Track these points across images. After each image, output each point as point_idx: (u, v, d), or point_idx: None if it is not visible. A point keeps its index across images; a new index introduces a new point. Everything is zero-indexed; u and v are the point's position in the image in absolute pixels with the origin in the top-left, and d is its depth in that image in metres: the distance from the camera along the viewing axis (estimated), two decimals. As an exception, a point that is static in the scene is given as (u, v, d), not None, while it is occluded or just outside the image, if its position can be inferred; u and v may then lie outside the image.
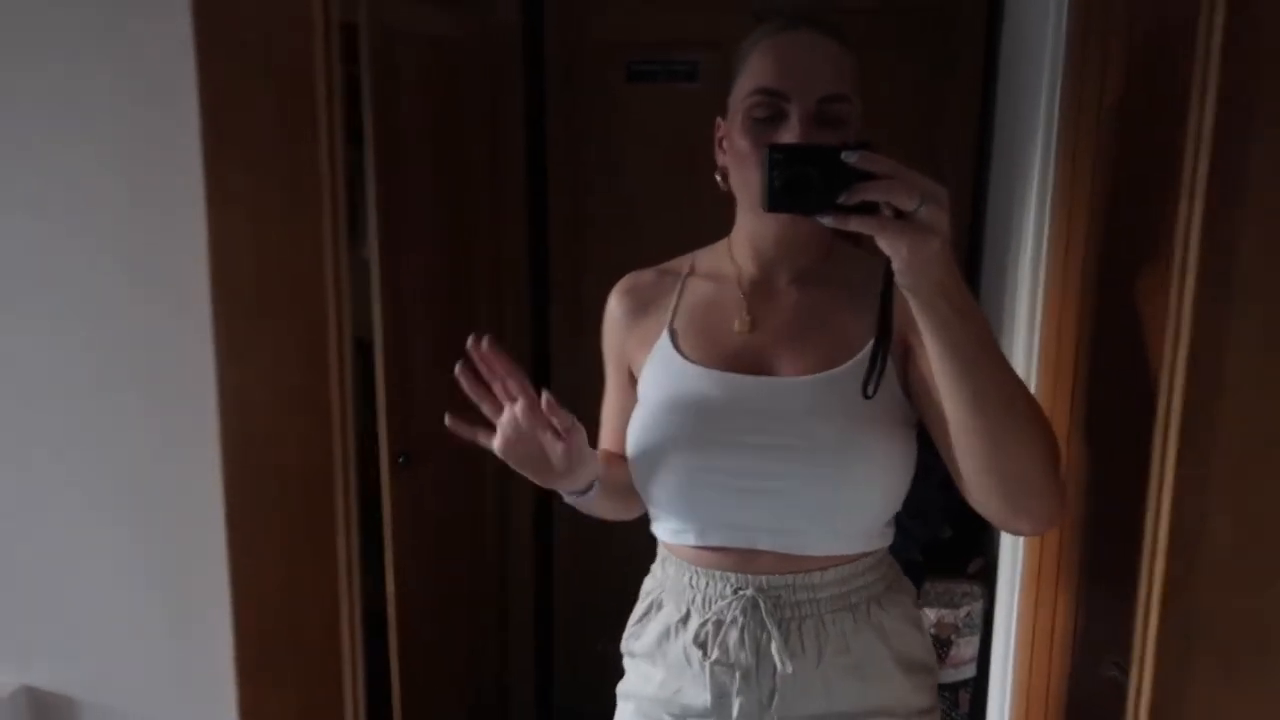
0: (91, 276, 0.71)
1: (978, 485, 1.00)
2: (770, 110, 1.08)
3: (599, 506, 1.24)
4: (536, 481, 1.15)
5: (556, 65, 2.32)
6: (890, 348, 1.05)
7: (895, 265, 0.88)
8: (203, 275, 0.67)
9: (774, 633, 1.12)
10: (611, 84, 2.30)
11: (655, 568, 1.27)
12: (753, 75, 1.10)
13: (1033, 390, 1.68)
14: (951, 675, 1.93)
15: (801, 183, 0.89)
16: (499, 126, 2.37)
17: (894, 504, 1.16)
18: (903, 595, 1.22)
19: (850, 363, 1.12)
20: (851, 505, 1.12)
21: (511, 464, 1.12)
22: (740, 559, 1.15)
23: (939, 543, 1.93)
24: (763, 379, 1.14)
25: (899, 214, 0.86)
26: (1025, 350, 1.72)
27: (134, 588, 0.71)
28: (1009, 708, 1.75)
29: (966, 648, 1.93)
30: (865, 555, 1.16)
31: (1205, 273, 0.54)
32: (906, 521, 1.91)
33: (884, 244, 0.87)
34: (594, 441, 1.26)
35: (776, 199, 0.91)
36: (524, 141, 2.39)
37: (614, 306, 1.29)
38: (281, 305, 0.64)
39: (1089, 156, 1.48)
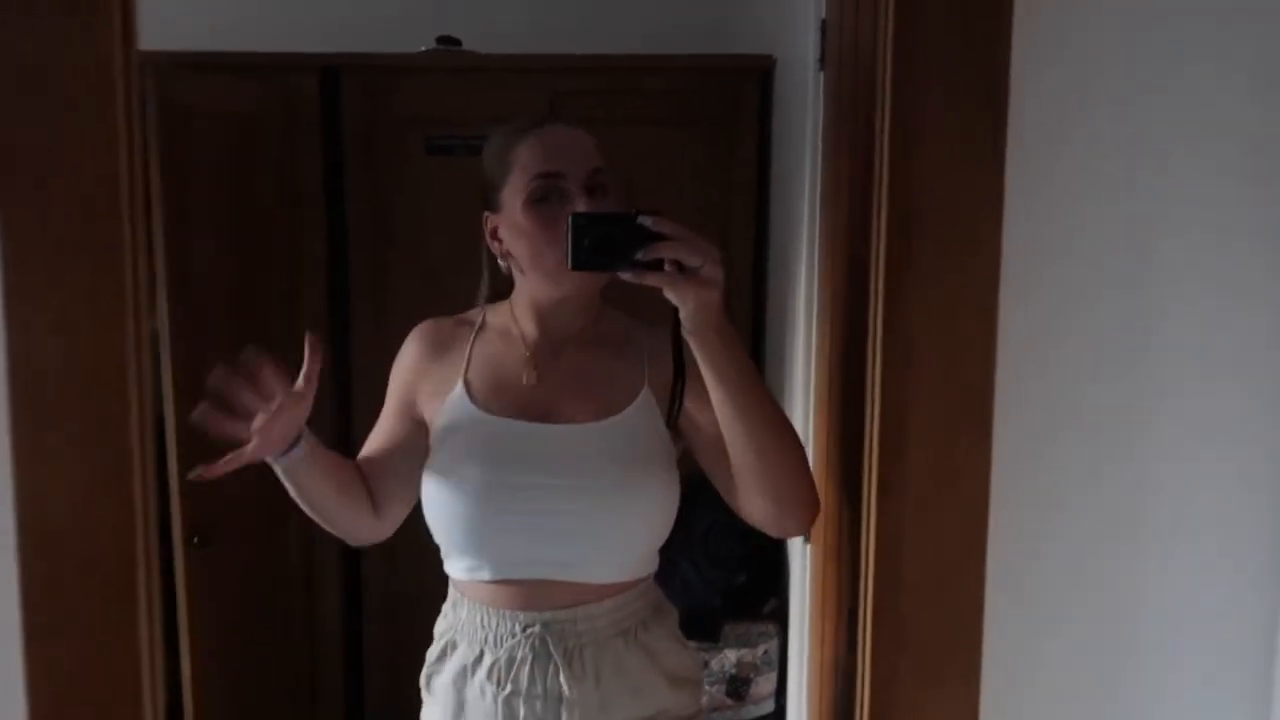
0: None
1: (753, 502, 1.20)
2: (548, 190, 1.24)
3: (311, 481, 1.25)
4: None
5: (355, 138, 2.35)
6: (680, 387, 1.24)
7: (682, 314, 1.06)
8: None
9: (560, 663, 1.25)
10: (410, 156, 2.35)
11: (447, 609, 1.38)
12: (527, 167, 1.26)
13: (809, 427, 1.84)
14: (752, 711, 2.05)
15: (606, 243, 1.05)
16: (299, 199, 2.37)
17: (665, 530, 1.33)
18: (666, 618, 1.38)
19: (625, 411, 1.29)
20: (631, 534, 1.29)
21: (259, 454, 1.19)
22: (530, 594, 1.27)
23: (736, 588, 2.05)
24: (551, 426, 1.29)
25: (682, 269, 1.03)
26: (802, 392, 1.88)
27: None
28: (805, 738, 1.87)
29: (765, 684, 2.05)
30: (638, 582, 1.32)
31: (887, 348, 0.67)
32: (708, 571, 2.03)
33: (672, 295, 1.05)
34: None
35: (584, 258, 1.06)
36: (324, 212, 2.39)
37: (413, 346, 1.39)
38: (80, 400, 0.65)
39: (843, 226, 1.65)
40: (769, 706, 2.07)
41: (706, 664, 1.99)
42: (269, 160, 2.32)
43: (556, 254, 1.19)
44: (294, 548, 2.45)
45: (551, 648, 1.26)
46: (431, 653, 1.38)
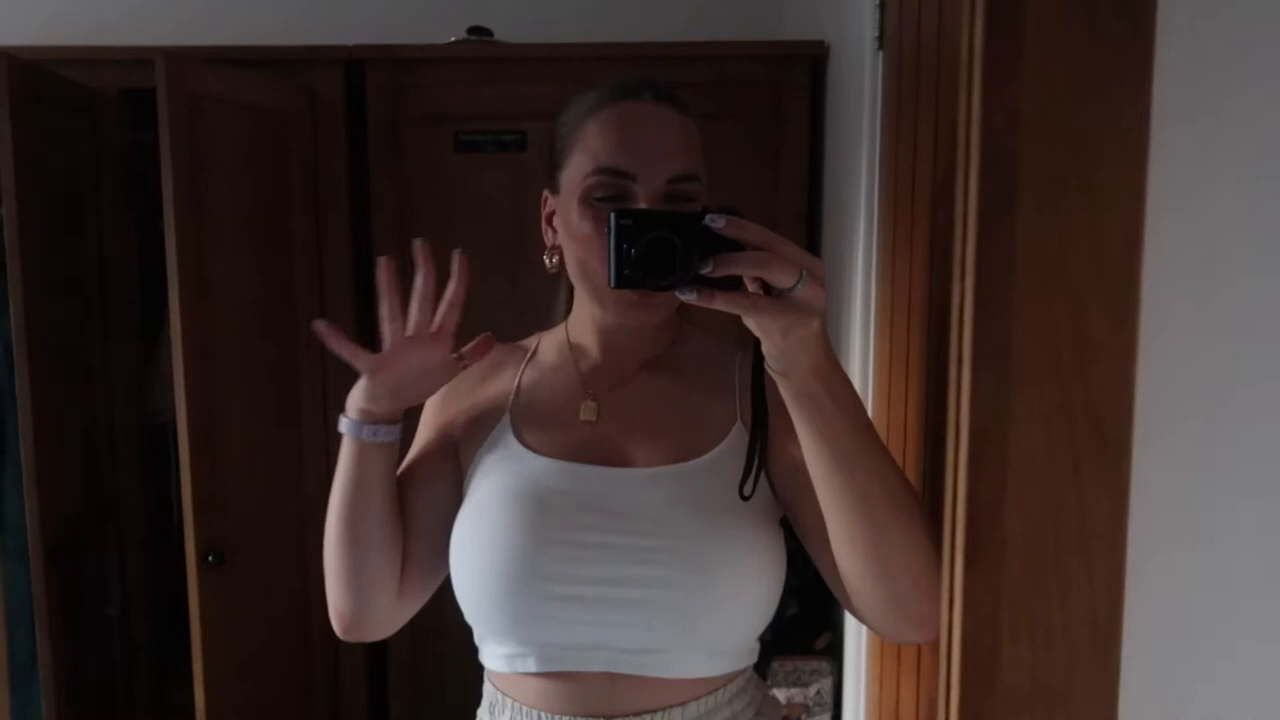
0: None
1: (862, 591, 0.88)
2: (613, 190, 0.96)
3: (376, 480, 1.01)
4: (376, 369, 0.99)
5: (381, 135, 2.23)
6: (761, 443, 0.95)
7: (766, 348, 0.79)
8: None
9: None
10: (439, 154, 2.23)
11: (483, 715, 1.09)
12: (591, 151, 0.97)
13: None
14: (803, 757, 1.88)
15: (661, 252, 0.77)
16: (322, 196, 2.26)
17: (769, 611, 1.01)
18: (772, 717, 1.09)
19: (712, 453, 1.00)
20: (722, 614, 0.96)
21: (377, 382, 0.99)
22: (591, 692, 0.98)
23: (786, 620, 1.89)
24: (614, 470, 1.00)
25: (767, 290, 0.76)
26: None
27: None
28: (861, 787, 1.71)
29: (817, 727, 1.88)
30: (734, 676, 1.02)
31: (979, 355, 0.50)
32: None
33: (754, 324, 0.77)
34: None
35: (630, 272, 0.78)
36: (349, 212, 2.28)
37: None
38: None
39: (907, 229, 1.50)
40: (821, 751, 1.90)
41: (752, 704, 1.83)
42: (292, 158, 2.22)
43: (604, 269, 0.91)
44: (313, 567, 2.33)
45: None
46: None
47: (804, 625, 1.91)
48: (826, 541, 0.90)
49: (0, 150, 1.86)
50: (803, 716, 1.85)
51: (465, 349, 1.00)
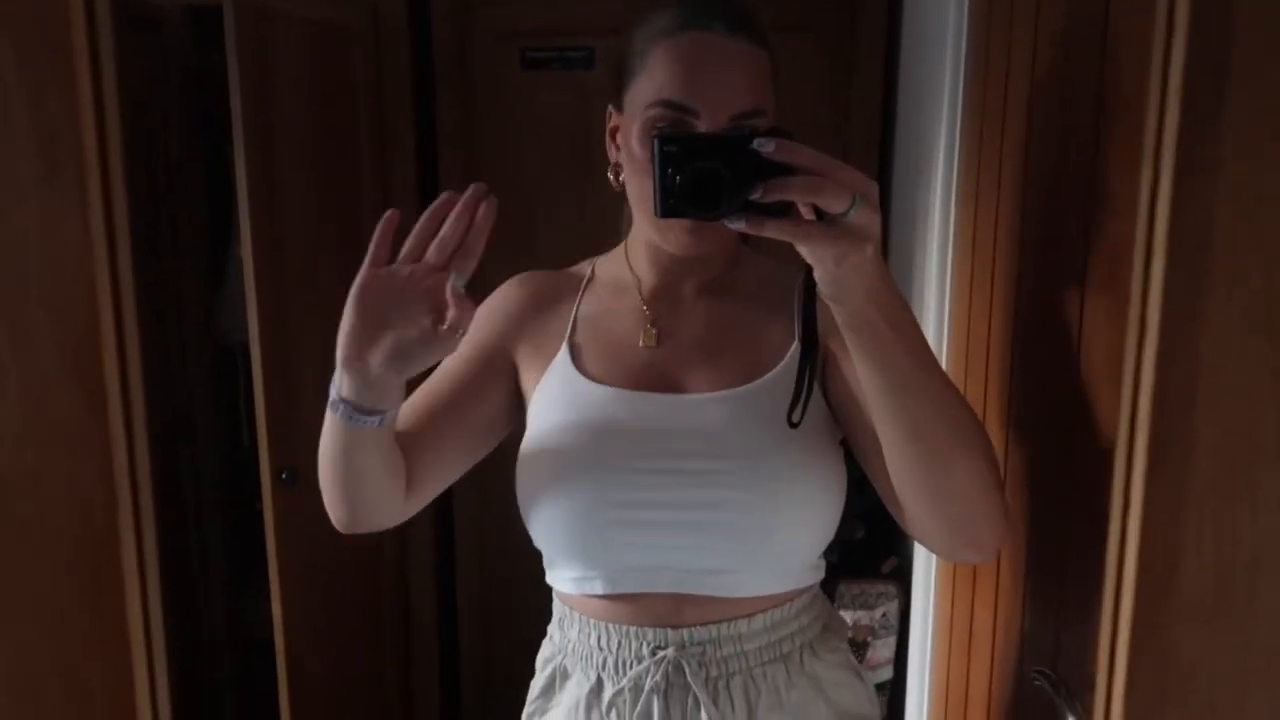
0: None
1: (919, 514, 0.90)
2: (675, 123, 0.94)
3: (368, 454, 0.95)
4: (351, 355, 0.89)
5: (447, 53, 2.20)
6: (811, 370, 0.93)
7: (819, 275, 0.77)
8: None
9: (702, 696, 0.99)
10: (505, 72, 2.19)
11: (553, 630, 1.11)
12: (655, 81, 0.95)
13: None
14: (870, 678, 1.90)
15: (708, 181, 0.75)
16: (387, 115, 2.24)
17: (829, 531, 1.03)
18: (839, 640, 1.11)
19: (770, 375, 1.01)
20: (783, 534, 0.99)
21: (358, 310, 0.90)
22: (657, 609, 1.01)
23: (853, 543, 1.89)
24: (674, 396, 1.02)
25: (820, 215, 0.74)
26: (935, 350, 1.69)
27: None
28: (927, 709, 1.73)
29: (883, 649, 1.90)
30: (798, 594, 1.04)
31: (1175, 258, 0.47)
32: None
33: (806, 251, 0.75)
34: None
35: (676, 202, 0.76)
36: (414, 131, 2.26)
37: (513, 293, 1.13)
38: (39, 322, 0.51)
39: (995, 148, 1.45)
40: (887, 673, 1.92)
41: (820, 625, 1.84)
42: (356, 75, 2.19)
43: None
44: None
45: (690, 676, 0.99)
46: (535, 686, 1.12)
47: (871, 549, 1.92)
48: (884, 464, 0.90)
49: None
50: (869, 639, 1.86)
51: (450, 317, 0.87)
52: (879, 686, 1.90)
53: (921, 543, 0.96)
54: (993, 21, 1.46)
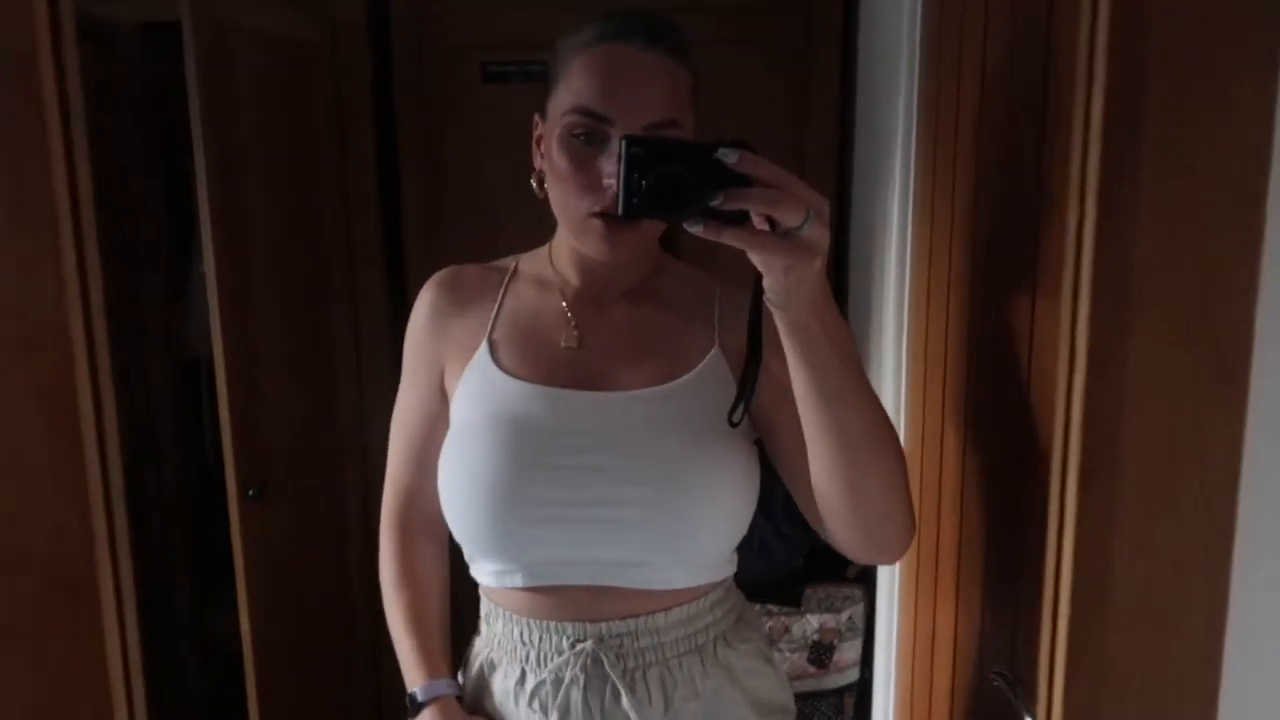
0: None
1: (836, 516, 0.94)
2: (590, 131, 0.97)
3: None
4: None
5: (406, 66, 2.20)
6: (754, 373, 0.96)
7: (768, 282, 0.80)
8: None
9: (620, 685, 1.03)
10: (466, 84, 2.20)
11: (481, 625, 1.15)
12: (573, 89, 0.98)
13: (900, 399, 1.68)
14: (836, 680, 1.92)
15: (673, 185, 0.76)
16: (348, 128, 2.24)
17: (742, 527, 1.08)
18: (752, 631, 1.14)
19: (687, 377, 1.04)
20: (697, 530, 1.02)
21: None
22: (577, 602, 1.04)
23: (818, 548, 1.92)
24: (593, 394, 1.04)
25: (773, 226, 0.77)
26: (894, 355, 1.73)
27: None
28: (893, 709, 1.75)
29: (849, 651, 1.92)
30: (712, 588, 1.08)
31: (1100, 276, 0.49)
32: (788, 530, 1.88)
33: (758, 259, 0.79)
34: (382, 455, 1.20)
35: (639, 202, 0.78)
36: (375, 144, 2.26)
37: (429, 299, 1.15)
38: (12, 363, 0.51)
39: (949, 157, 1.48)
40: (853, 675, 1.94)
41: (787, 629, 1.86)
42: (314, 91, 2.19)
43: (577, 205, 0.98)
44: (351, 500, 2.37)
45: (608, 667, 1.03)
46: (468, 679, 1.15)
47: (836, 553, 1.94)
48: (798, 467, 0.96)
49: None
50: (835, 641, 1.88)
51: None
52: (846, 688, 1.93)
53: (834, 544, 1.00)
54: (944, 32, 1.50)
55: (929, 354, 1.57)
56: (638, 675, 1.04)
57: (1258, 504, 0.52)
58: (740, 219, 0.77)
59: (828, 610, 1.89)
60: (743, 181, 0.76)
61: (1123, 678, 0.51)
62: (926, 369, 1.59)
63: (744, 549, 1.88)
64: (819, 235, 0.77)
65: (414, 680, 1.11)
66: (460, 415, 1.08)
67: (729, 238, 0.77)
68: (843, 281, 2.23)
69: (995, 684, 1.17)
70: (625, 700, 1.02)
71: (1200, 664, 0.49)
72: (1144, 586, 0.49)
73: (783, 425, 0.99)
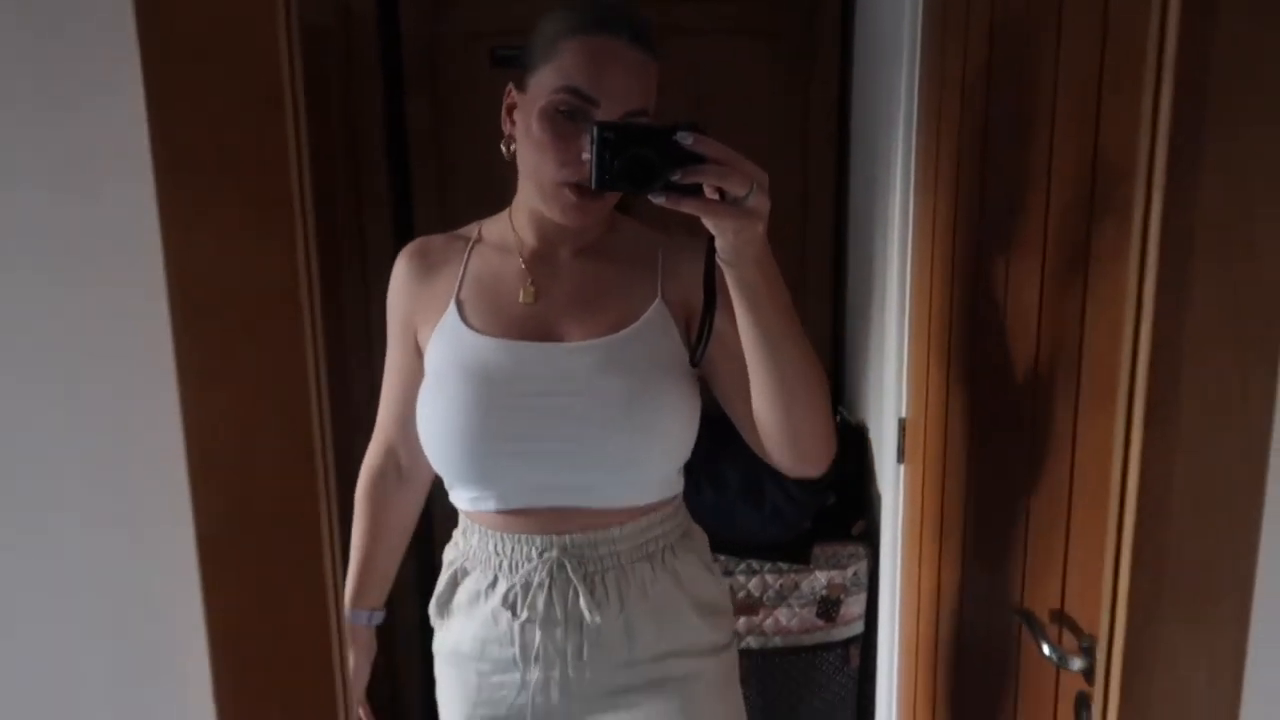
0: (32, 288, 0.64)
1: (775, 442, 1.13)
2: (575, 109, 1.10)
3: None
4: None
5: (416, 52, 2.25)
6: (710, 320, 1.12)
7: (720, 244, 0.96)
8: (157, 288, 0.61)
9: (580, 587, 1.19)
10: (475, 70, 2.26)
11: (457, 536, 1.31)
12: (564, 71, 1.10)
13: (904, 360, 1.79)
14: (843, 632, 2.04)
15: (639, 164, 0.92)
16: (358, 114, 2.29)
17: (686, 452, 1.25)
18: (696, 542, 1.31)
19: (634, 326, 1.19)
20: (645, 457, 1.19)
21: None
22: (544, 520, 1.20)
23: (825, 509, 2.03)
24: (550, 344, 1.19)
25: (723, 196, 0.93)
26: (896, 327, 1.82)
27: (93, 634, 0.65)
28: (897, 660, 1.87)
29: (854, 605, 2.04)
30: (662, 505, 1.24)
31: (1168, 235, 0.58)
32: (797, 494, 2.00)
33: (711, 224, 0.94)
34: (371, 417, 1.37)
35: (611, 178, 0.94)
36: (384, 130, 2.31)
37: (402, 268, 1.29)
38: (251, 323, 0.60)
39: (951, 138, 1.57)
40: (859, 628, 2.06)
41: (797, 585, 1.97)
42: (326, 78, 2.23)
43: (554, 174, 1.11)
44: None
45: (571, 572, 1.19)
46: (440, 582, 1.30)
47: (841, 514, 2.05)
48: (738, 399, 1.16)
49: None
50: (841, 596, 2.00)
51: None
52: (852, 639, 2.05)
53: (769, 459, 1.17)
54: (948, 19, 1.58)
55: (932, 327, 1.67)
56: (596, 579, 1.20)
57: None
58: (695, 191, 0.93)
59: (834, 567, 2.00)
60: (697, 159, 0.92)
61: (1175, 567, 0.61)
62: (930, 340, 1.68)
63: (757, 513, 2.00)
64: (761, 203, 0.93)
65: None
66: (434, 366, 1.22)
67: (687, 207, 0.92)
68: (841, 258, 2.33)
69: (1012, 621, 1.29)
70: (584, 600, 1.18)
71: (1238, 557, 0.60)
72: (1194, 500, 0.59)
73: (724, 366, 1.16)
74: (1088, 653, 1.00)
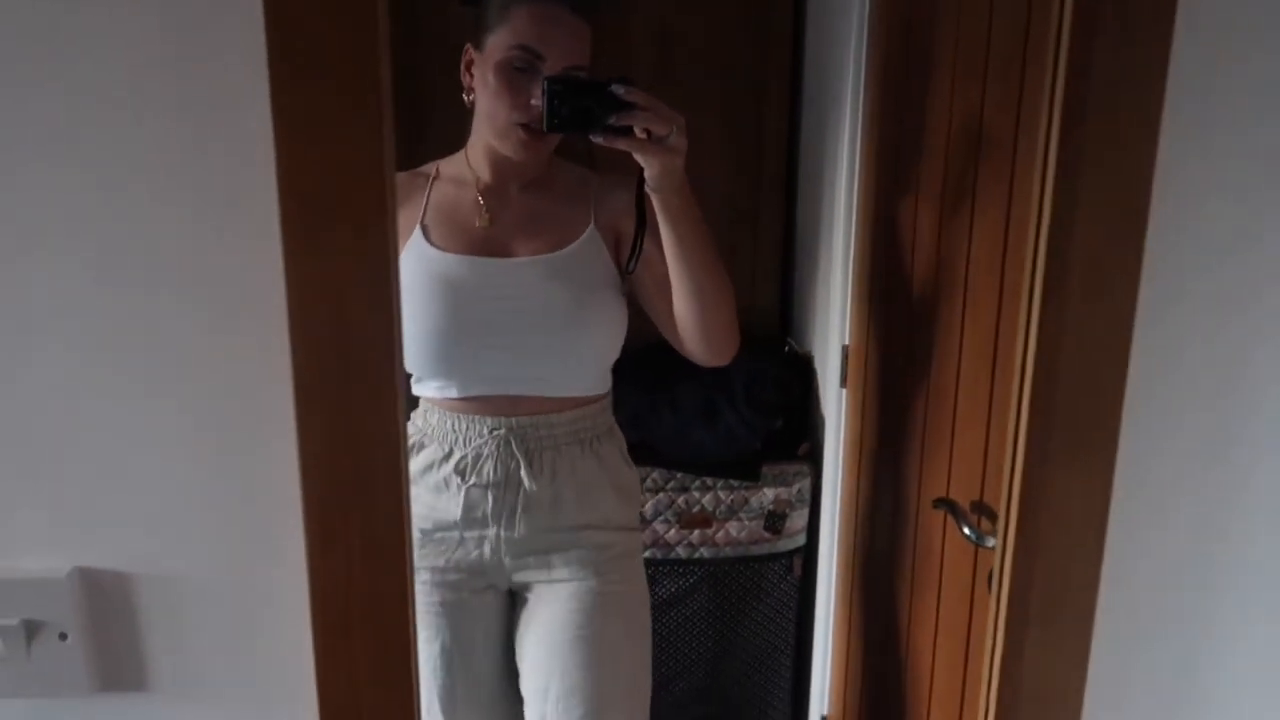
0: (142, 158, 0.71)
1: (691, 337, 1.39)
2: (526, 63, 1.33)
3: None
4: None
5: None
6: (641, 237, 1.37)
7: (648, 174, 1.22)
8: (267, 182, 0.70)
9: (521, 460, 1.43)
10: (445, 5, 2.31)
11: (416, 417, 1.51)
12: (517, 32, 1.32)
13: (848, 292, 1.93)
14: (787, 544, 2.20)
15: (582, 111, 1.17)
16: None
17: (615, 352, 1.49)
18: (618, 439, 1.55)
19: (572, 246, 1.43)
20: (582, 353, 1.43)
21: None
22: (497, 405, 1.43)
23: (774, 432, 2.18)
24: (503, 260, 1.42)
25: (650, 136, 1.18)
26: (842, 257, 1.96)
27: (194, 457, 0.74)
28: (835, 568, 2.04)
29: (798, 519, 2.20)
30: (593, 400, 1.49)
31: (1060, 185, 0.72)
32: (749, 416, 2.15)
33: (641, 158, 1.21)
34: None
35: (560, 122, 1.18)
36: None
37: None
38: (350, 208, 0.70)
39: (887, 87, 1.70)
40: (802, 539, 2.23)
41: (747, 500, 2.13)
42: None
43: (508, 116, 1.34)
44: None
45: (515, 447, 1.42)
46: None
47: (787, 436, 2.20)
48: (661, 305, 1.41)
49: None
50: (787, 510, 2.16)
51: None
52: (795, 550, 2.21)
53: (685, 351, 1.45)
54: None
55: (870, 260, 1.82)
56: (535, 454, 1.44)
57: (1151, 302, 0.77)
58: (627, 132, 1.18)
59: (781, 484, 2.16)
60: (629, 106, 1.17)
61: (1059, 413, 0.77)
62: (869, 272, 1.83)
63: (712, 434, 2.15)
64: (680, 141, 1.20)
65: None
66: (405, 280, 1.34)
67: (621, 144, 1.19)
68: (792, 198, 2.46)
69: (936, 509, 1.46)
70: (523, 470, 1.43)
71: (1107, 401, 0.75)
72: (1076, 363, 0.74)
73: (648, 276, 1.42)
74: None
